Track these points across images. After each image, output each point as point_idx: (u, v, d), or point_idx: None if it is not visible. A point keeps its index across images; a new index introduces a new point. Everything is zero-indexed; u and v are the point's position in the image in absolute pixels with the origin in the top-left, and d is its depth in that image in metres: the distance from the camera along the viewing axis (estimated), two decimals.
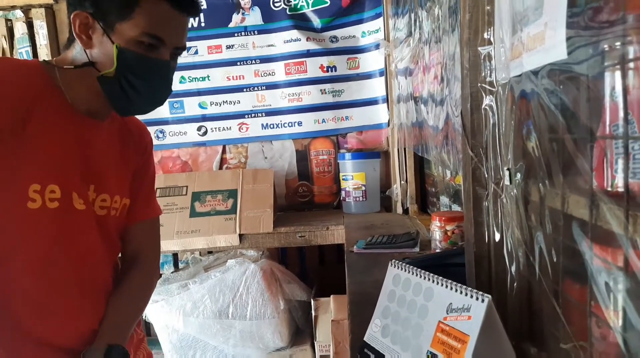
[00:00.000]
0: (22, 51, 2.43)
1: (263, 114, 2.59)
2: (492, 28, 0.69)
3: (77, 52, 0.86)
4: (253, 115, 2.59)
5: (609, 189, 0.47)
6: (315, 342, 2.11)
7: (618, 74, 0.43)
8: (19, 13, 2.42)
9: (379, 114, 2.54)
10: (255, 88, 2.57)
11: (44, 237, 0.83)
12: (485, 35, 0.71)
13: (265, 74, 2.56)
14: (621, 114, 0.43)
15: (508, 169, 0.67)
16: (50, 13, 2.42)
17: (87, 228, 0.89)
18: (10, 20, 2.44)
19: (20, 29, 2.43)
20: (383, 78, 2.49)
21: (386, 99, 2.49)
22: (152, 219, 1.06)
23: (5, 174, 0.78)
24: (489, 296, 0.60)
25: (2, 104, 0.77)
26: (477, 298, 0.60)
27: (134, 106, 0.89)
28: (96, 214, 0.90)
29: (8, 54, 2.42)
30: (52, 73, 0.86)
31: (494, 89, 0.69)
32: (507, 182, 0.68)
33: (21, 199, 0.79)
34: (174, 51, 0.88)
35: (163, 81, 0.89)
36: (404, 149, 2.25)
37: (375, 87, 2.53)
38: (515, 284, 0.69)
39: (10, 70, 0.82)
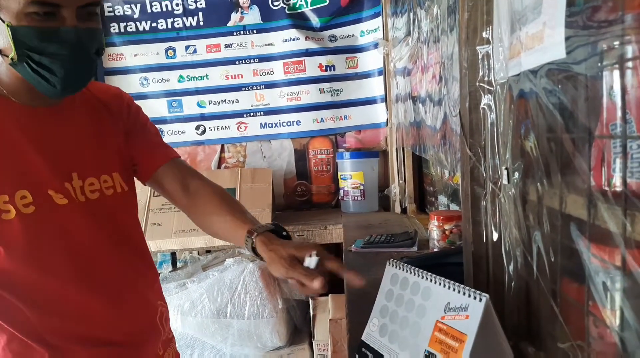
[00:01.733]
0: None
1: (262, 113, 2.58)
2: (490, 27, 0.69)
3: None
4: (252, 114, 2.58)
5: (607, 188, 0.47)
6: (313, 341, 2.11)
7: (616, 73, 0.43)
8: None
9: (378, 113, 2.54)
10: (254, 87, 2.57)
11: (32, 243, 0.80)
12: (484, 35, 0.71)
13: (264, 73, 2.55)
14: (619, 113, 0.43)
15: (506, 168, 0.67)
16: None
17: (76, 221, 0.84)
18: None
19: None
20: (382, 77, 2.49)
21: (385, 99, 2.49)
22: (174, 161, 1.00)
23: None
24: (487, 295, 0.60)
25: None
26: (474, 298, 0.60)
27: (58, 87, 0.78)
28: (88, 201, 0.85)
29: None
30: None
31: (492, 89, 0.69)
32: (505, 181, 0.68)
33: None
34: (79, 11, 0.75)
35: (76, 51, 0.76)
36: (402, 148, 2.25)
37: (374, 87, 2.53)
38: (513, 283, 0.69)
39: None
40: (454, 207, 1.70)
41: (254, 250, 0.84)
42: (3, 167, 0.78)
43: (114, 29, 2.53)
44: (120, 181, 0.92)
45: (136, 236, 0.97)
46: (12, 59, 0.74)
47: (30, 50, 0.74)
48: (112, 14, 2.53)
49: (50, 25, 0.73)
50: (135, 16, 2.52)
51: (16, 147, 0.80)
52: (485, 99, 0.71)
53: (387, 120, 2.48)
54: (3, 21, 0.72)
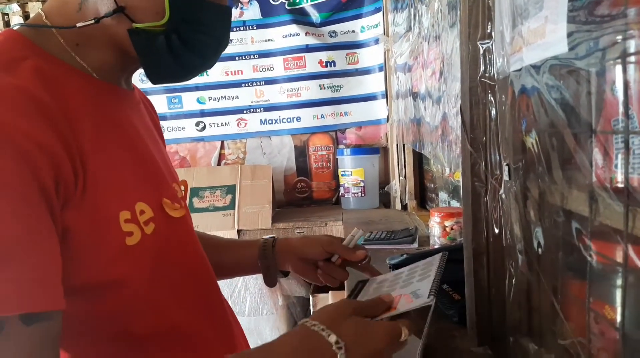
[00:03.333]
0: None
1: (262, 109, 2.58)
2: (492, 22, 0.68)
3: None
4: (252, 110, 2.58)
5: (609, 184, 0.47)
6: None
7: (619, 68, 0.43)
8: (15, 7, 2.41)
9: (378, 109, 2.54)
10: (254, 83, 2.56)
11: (156, 275, 0.59)
12: (485, 30, 0.70)
13: (264, 69, 2.55)
14: (622, 109, 0.43)
15: (507, 164, 0.67)
16: None
17: (191, 237, 0.68)
18: (7, 14, 2.43)
19: (17, 22, 2.42)
20: (382, 73, 2.48)
21: (385, 95, 2.49)
22: None
23: (93, 218, 0.52)
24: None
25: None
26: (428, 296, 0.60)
27: (182, 71, 0.63)
28: (187, 211, 0.70)
29: None
30: (52, 44, 0.56)
31: (493, 84, 0.69)
32: (506, 177, 0.67)
33: (118, 239, 0.54)
34: None
35: (225, 34, 0.63)
36: (403, 145, 2.25)
37: (374, 83, 2.52)
38: (513, 280, 0.69)
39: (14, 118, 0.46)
40: (454, 204, 1.70)
41: (272, 248, 0.80)
42: (123, 169, 0.57)
43: None
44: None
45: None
46: (154, 28, 0.56)
47: (187, 22, 0.57)
48: None
49: (212, 0, 0.59)
50: None
51: (134, 139, 0.62)
52: (487, 95, 0.71)
53: (388, 116, 2.48)
54: None
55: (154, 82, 0.64)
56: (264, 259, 0.81)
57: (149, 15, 0.55)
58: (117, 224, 0.54)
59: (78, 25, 0.55)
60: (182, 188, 0.71)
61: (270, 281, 0.83)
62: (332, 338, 0.50)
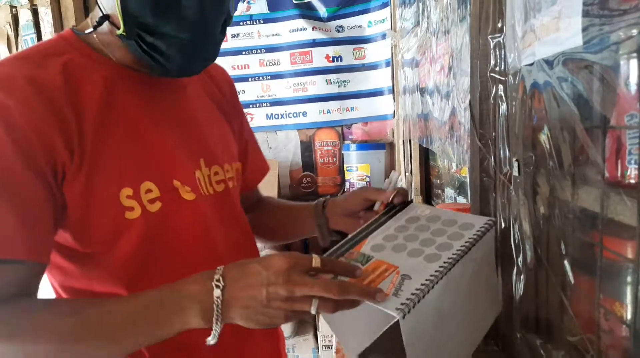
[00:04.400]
0: (27, 38, 2.42)
1: (268, 104, 2.57)
2: (503, 16, 0.67)
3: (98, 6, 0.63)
4: (258, 105, 2.58)
5: (621, 180, 0.47)
6: (317, 332, 2.12)
7: (634, 62, 0.42)
8: (23, 0, 2.41)
9: (385, 105, 2.53)
10: (260, 78, 2.56)
11: (153, 249, 0.64)
12: (496, 24, 0.70)
13: (271, 64, 2.54)
14: (637, 104, 0.42)
15: (517, 160, 0.66)
16: (56, 0, 2.41)
17: (202, 222, 0.69)
18: (15, 7, 2.44)
19: (25, 16, 2.43)
20: (389, 69, 2.47)
21: (392, 90, 2.48)
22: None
23: (91, 192, 0.60)
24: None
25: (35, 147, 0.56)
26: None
27: (174, 72, 0.65)
28: (215, 194, 0.71)
29: (13, 41, 2.42)
30: (94, 42, 0.65)
31: (503, 79, 0.68)
32: (515, 173, 0.67)
33: (118, 212, 0.61)
34: None
35: (198, 32, 0.60)
36: (409, 140, 2.24)
37: (381, 78, 2.51)
38: (522, 276, 0.69)
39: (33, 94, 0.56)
40: (460, 200, 1.69)
41: (323, 209, 0.83)
42: (125, 149, 0.62)
43: None
44: (238, 171, 0.79)
45: (252, 235, 0.83)
46: (122, 34, 0.59)
47: (141, 28, 0.59)
48: None
49: None
50: None
51: (138, 124, 0.64)
52: (497, 90, 0.70)
53: (394, 112, 2.47)
54: None
55: (158, 76, 0.67)
56: (317, 218, 0.83)
57: (116, 22, 0.60)
58: (117, 199, 0.60)
59: (86, 32, 0.64)
60: (228, 169, 0.75)
61: (324, 241, 0.84)
62: (216, 275, 0.53)
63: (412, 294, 0.53)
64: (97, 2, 0.62)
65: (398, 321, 0.50)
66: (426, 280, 0.55)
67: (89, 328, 0.55)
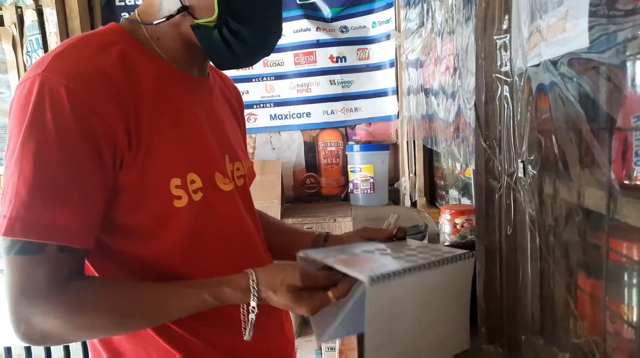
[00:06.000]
0: (32, 39, 2.43)
1: (272, 104, 2.58)
2: (509, 17, 0.67)
3: None
4: (261, 105, 2.58)
5: (628, 182, 0.46)
6: None
7: None
8: (29, 0, 2.42)
9: (389, 106, 2.53)
10: (264, 78, 2.56)
11: (195, 238, 0.69)
12: (502, 25, 0.69)
13: (274, 64, 2.54)
14: None
15: (522, 161, 0.66)
16: (60, 0, 2.42)
17: (237, 211, 0.75)
18: (20, 7, 2.45)
19: (30, 16, 2.44)
20: (393, 69, 2.47)
21: (396, 91, 2.47)
22: None
23: (144, 180, 0.64)
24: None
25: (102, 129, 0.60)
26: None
27: (238, 59, 0.71)
28: (239, 187, 0.77)
29: (18, 42, 2.43)
30: (141, 36, 0.69)
31: (509, 79, 0.68)
32: (520, 174, 0.67)
33: (167, 200, 0.65)
34: None
35: (275, 22, 0.71)
36: (413, 141, 2.24)
37: (385, 79, 2.51)
38: (527, 278, 0.68)
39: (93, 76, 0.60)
40: (465, 201, 1.69)
41: (324, 242, 0.86)
42: (174, 142, 0.67)
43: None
44: (250, 169, 0.84)
45: (262, 230, 0.87)
46: (208, 23, 0.65)
47: (233, 16, 0.65)
48: (122, 3, 2.53)
49: None
50: None
51: (183, 118, 0.69)
52: (502, 91, 0.70)
53: (398, 113, 2.47)
54: None
55: (220, 69, 0.76)
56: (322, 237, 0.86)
57: (205, 12, 0.65)
58: (167, 187, 0.65)
59: (154, 22, 0.68)
60: (244, 166, 0.80)
61: None
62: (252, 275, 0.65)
63: (384, 273, 0.59)
64: None
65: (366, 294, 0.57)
66: (398, 269, 0.61)
67: (144, 303, 0.64)
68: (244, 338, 0.65)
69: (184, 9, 0.66)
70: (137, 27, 0.69)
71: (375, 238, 0.79)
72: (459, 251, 0.68)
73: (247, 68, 2.55)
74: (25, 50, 2.47)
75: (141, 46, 0.68)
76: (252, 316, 0.64)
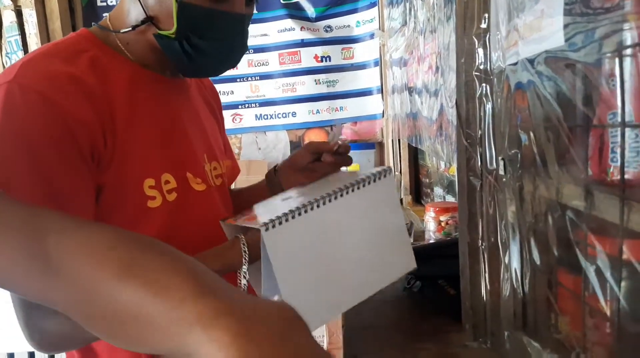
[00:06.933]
0: (11, 39, 2.39)
1: (257, 104, 2.57)
2: (487, 15, 0.68)
3: (130, 6, 0.69)
4: (247, 106, 2.57)
5: (605, 178, 0.47)
6: None
7: (615, 61, 0.42)
8: (7, 1, 2.38)
9: (374, 104, 2.53)
10: (249, 78, 2.55)
11: (171, 236, 0.67)
12: (481, 24, 0.70)
13: (259, 64, 2.53)
14: (618, 102, 0.42)
15: (502, 158, 0.67)
16: (40, 1, 2.38)
17: (213, 210, 0.75)
18: None
19: (8, 17, 2.39)
20: (378, 68, 2.48)
21: (381, 90, 2.48)
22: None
23: (119, 181, 0.65)
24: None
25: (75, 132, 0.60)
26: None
27: (202, 70, 0.74)
28: (216, 186, 0.77)
29: None
30: (112, 41, 0.70)
31: (489, 78, 0.68)
32: (501, 172, 0.67)
33: (140, 201, 0.66)
34: None
35: (237, 38, 0.71)
36: (398, 140, 2.25)
37: (370, 78, 2.52)
38: (508, 274, 0.69)
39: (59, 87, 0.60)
40: (449, 198, 1.70)
41: (275, 173, 0.86)
42: (148, 142, 0.68)
43: None
44: (229, 168, 0.85)
45: None
46: (168, 35, 0.67)
47: (192, 31, 0.67)
48: (104, 4, 2.50)
49: (221, 9, 0.67)
50: None
51: (158, 119, 0.70)
52: (482, 89, 0.70)
53: (383, 111, 2.47)
54: None
55: (185, 77, 0.77)
56: (271, 185, 0.86)
57: (166, 24, 0.67)
58: (141, 187, 0.65)
59: (121, 31, 0.69)
60: (223, 165, 0.81)
61: None
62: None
63: (283, 214, 0.58)
64: (141, 4, 0.67)
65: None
66: (303, 204, 0.59)
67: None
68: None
69: (148, 20, 0.68)
70: (107, 32, 0.71)
71: (321, 151, 0.79)
72: (376, 170, 0.67)
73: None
74: (4, 51, 2.43)
75: (113, 51, 0.70)
76: (244, 281, 0.64)
